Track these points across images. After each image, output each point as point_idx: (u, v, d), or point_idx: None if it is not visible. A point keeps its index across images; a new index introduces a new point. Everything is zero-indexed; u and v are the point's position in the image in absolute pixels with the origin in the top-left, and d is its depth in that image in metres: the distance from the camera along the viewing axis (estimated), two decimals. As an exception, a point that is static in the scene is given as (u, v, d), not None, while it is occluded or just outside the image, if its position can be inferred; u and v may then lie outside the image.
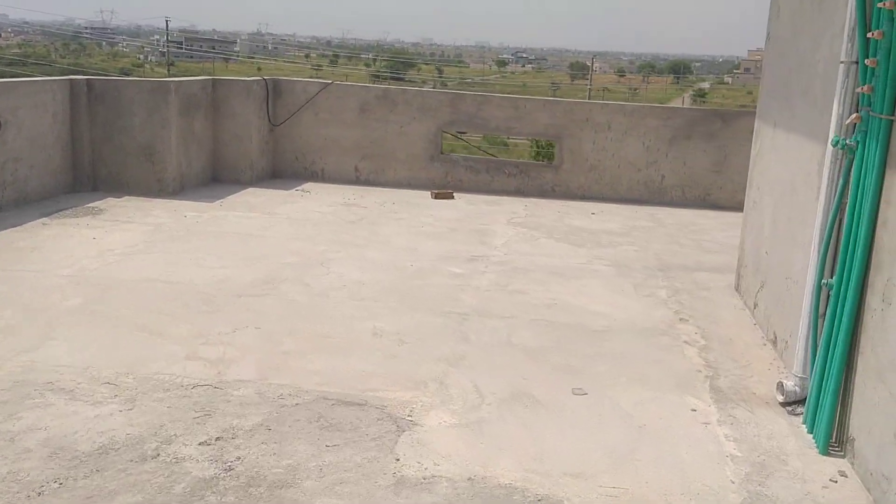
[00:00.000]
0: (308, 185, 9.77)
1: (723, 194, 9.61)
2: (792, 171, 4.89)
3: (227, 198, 8.76)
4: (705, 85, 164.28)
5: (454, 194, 9.53)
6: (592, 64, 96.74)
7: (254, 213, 8.12)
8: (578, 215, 8.89)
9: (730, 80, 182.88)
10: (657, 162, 9.67)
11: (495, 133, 10.24)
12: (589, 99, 76.27)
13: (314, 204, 8.74)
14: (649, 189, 9.74)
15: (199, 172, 9.19)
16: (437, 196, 9.40)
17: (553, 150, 10.06)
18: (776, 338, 4.85)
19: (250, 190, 9.25)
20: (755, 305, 5.51)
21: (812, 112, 4.55)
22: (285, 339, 4.68)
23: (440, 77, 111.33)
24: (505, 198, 9.66)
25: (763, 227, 5.51)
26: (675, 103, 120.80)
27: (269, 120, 9.90)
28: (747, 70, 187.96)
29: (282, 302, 5.37)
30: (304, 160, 10.10)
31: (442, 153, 10.03)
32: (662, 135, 9.61)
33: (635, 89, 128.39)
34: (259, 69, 77.17)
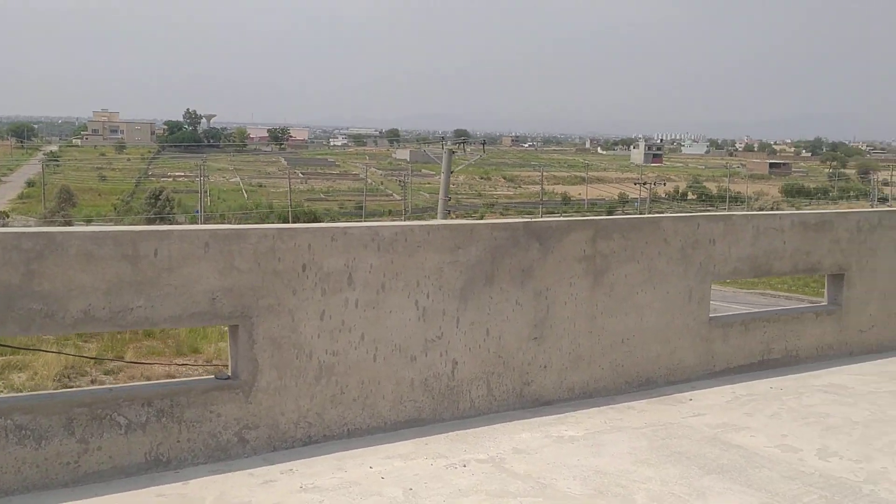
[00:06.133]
0: None
1: (547, 378, 5.12)
2: None
3: None
4: (54, 147, 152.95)
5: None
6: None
7: None
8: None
9: (79, 141, 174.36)
10: (443, 337, 4.70)
11: (86, 330, 3.95)
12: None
13: None
14: (433, 394, 4.71)
15: None
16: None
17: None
18: None
19: None
20: None
21: None
22: None
23: None
24: (136, 495, 3.59)
25: None
26: (28, 168, 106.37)
27: None
28: (95, 131, 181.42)
29: None
30: None
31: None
32: (449, 281, 4.70)
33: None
34: None
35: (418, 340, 4.61)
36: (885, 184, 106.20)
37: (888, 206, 77.76)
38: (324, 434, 4.37)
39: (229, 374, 4.21)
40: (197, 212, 65.71)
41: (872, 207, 68.89)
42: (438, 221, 4.77)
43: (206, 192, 78.99)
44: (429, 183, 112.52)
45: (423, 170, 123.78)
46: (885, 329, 6.68)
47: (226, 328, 4.32)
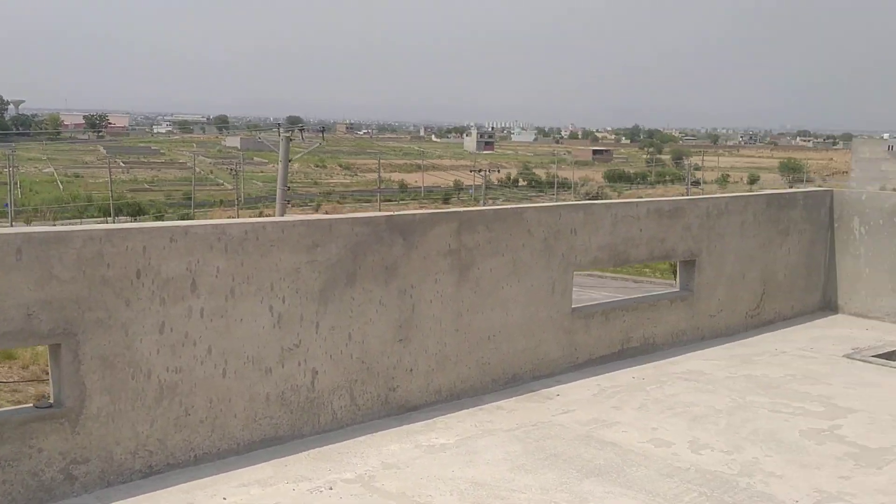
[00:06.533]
0: None
1: (414, 382, 4.79)
2: None
3: None
4: None
5: None
6: None
7: None
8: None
9: None
10: (301, 345, 4.27)
11: None
12: None
13: None
14: (291, 408, 4.27)
15: None
16: None
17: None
18: None
19: None
20: None
21: None
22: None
23: None
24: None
25: None
26: None
27: None
28: None
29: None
30: None
31: None
32: (307, 283, 4.26)
33: None
34: None
35: (273, 350, 4.16)
36: (697, 168, 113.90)
37: (700, 189, 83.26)
38: (167, 463, 3.84)
39: (51, 401, 3.59)
40: (7, 206, 60.56)
41: (687, 191, 73.06)
42: (294, 217, 4.31)
43: (16, 183, 72.98)
44: (262, 171, 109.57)
45: (255, 158, 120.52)
46: (732, 313, 6.85)
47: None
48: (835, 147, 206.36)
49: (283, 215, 24.40)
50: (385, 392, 4.65)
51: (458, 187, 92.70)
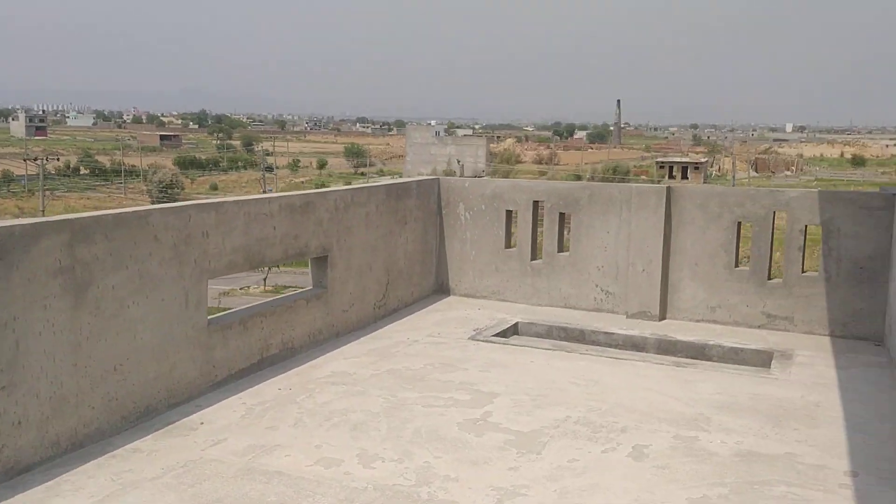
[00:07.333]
0: None
1: (24, 436, 3.79)
2: None
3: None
4: None
5: None
6: None
7: None
8: None
9: None
10: None
11: None
12: None
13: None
14: None
15: None
16: None
17: None
18: None
19: None
20: None
21: None
22: None
23: None
24: None
25: None
26: None
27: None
28: None
29: None
30: None
31: None
32: None
33: None
34: None
35: None
36: (268, 154, 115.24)
37: (275, 174, 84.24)
38: None
39: None
40: None
41: (263, 177, 73.05)
42: None
43: None
44: None
45: None
46: (362, 306, 6.74)
47: None
48: (390, 133, 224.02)
49: None
50: (-16, 458, 3.60)
51: (8, 178, 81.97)
